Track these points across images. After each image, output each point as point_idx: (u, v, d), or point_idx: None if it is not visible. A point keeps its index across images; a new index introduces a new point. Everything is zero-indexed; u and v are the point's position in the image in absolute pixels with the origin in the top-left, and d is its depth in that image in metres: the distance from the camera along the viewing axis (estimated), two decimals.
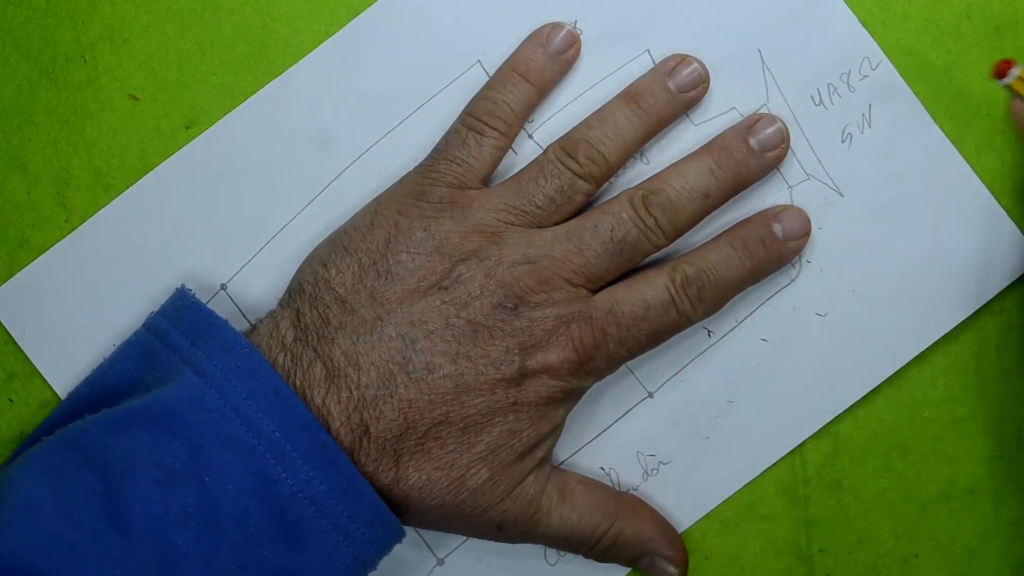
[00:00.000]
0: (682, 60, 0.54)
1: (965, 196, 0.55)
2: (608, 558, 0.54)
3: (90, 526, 0.46)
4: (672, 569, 0.54)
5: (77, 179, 0.56)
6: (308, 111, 0.56)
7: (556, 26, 0.55)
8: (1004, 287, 0.55)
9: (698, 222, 0.53)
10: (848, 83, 0.55)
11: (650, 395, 0.56)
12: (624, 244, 0.51)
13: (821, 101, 0.55)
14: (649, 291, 0.52)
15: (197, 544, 0.46)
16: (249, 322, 0.53)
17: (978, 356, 0.56)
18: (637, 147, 0.53)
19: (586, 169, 0.52)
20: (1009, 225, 0.55)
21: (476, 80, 0.55)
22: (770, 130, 0.54)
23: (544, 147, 0.55)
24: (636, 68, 0.55)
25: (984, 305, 0.55)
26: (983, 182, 0.55)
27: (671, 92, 0.53)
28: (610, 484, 0.56)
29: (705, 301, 0.52)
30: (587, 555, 0.54)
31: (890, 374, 0.55)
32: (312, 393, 0.49)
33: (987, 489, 0.56)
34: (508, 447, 0.50)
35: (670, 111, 0.54)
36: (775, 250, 0.54)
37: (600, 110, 0.54)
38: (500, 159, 0.53)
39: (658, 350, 0.55)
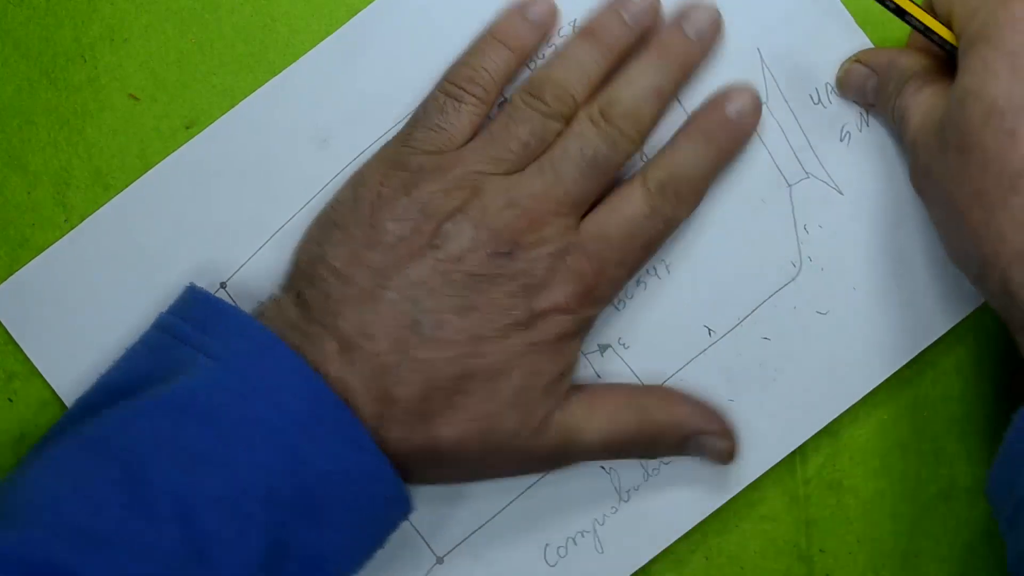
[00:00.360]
0: None
1: None
2: (660, 452, 0.54)
3: (115, 515, 0.45)
4: (721, 443, 0.54)
5: (77, 179, 0.56)
6: (307, 110, 0.55)
7: None
8: None
9: (659, 119, 0.54)
10: None
11: None
12: (596, 161, 0.51)
13: (820, 100, 0.55)
14: (629, 208, 0.52)
15: (226, 527, 0.45)
16: None
17: (978, 356, 0.56)
18: (600, 80, 0.53)
19: (554, 108, 0.52)
20: None
21: None
22: (703, 16, 0.54)
23: None
24: None
25: (985, 304, 0.55)
26: None
27: (626, 24, 0.53)
28: (611, 486, 0.56)
29: (683, 199, 0.53)
30: (640, 456, 0.55)
31: (893, 372, 0.55)
32: (328, 369, 0.49)
33: None
34: (531, 387, 0.50)
35: (627, 42, 0.54)
36: (733, 130, 0.54)
37: (559, 50, 0.54)
38: (478, 125, 0.53)
39: (659, 349, 0.55)
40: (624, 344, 0.55)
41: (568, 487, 0.56)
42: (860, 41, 0.55)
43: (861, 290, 0.55)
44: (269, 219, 0.55)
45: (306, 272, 0.51)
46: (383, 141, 0.55)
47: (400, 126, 0.55)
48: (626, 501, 0.55)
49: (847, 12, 0.55)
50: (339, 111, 0.55)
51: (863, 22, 0.55)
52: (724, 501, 0.55)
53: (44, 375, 0.55)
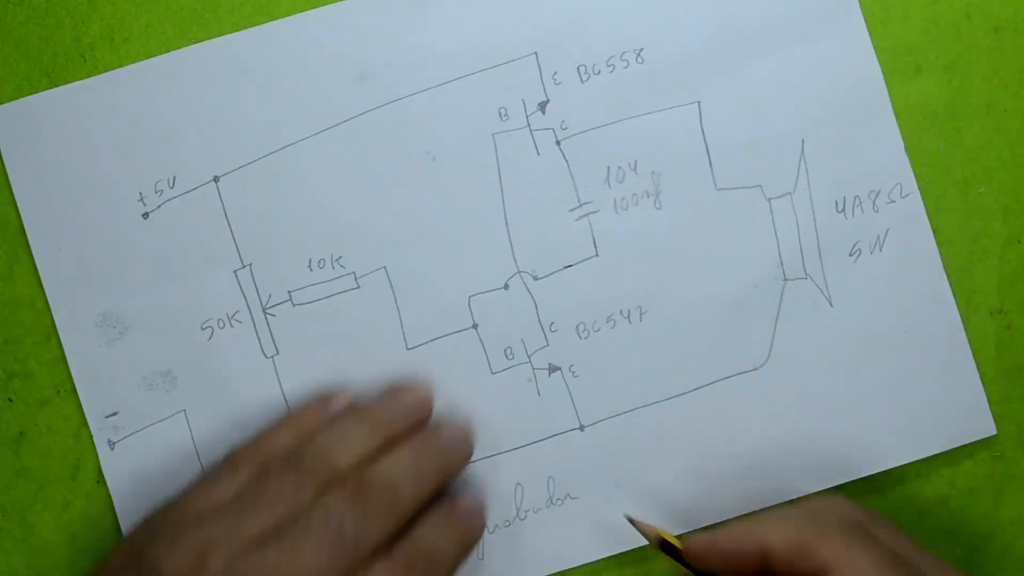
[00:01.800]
0: (405, 388, 0.55)
1: (950, 351, 0.55)
2: None
3: None
4: None
5: None
6: (358, 42, 0.55)
7: (339, 391, 0.55)
8: (948, 449, 0.55)
9: (418, 504, 0.51)
10: (875, 202, 0.55)
11: (581, 428, 0.55)
12: (342, 533, 0.49)
13: (843, 209, 0.55)
14: None
15: None
16: (227, 220, 0.55)
17: (978, 356, 0.55)
18: (365, 458, 0.51)
19: (310, 476, 0.50)
20: (978, 391, 0.55)
21: (527, 68, 0.55)
22: (458, 430, 0.55)
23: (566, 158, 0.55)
24: (681, 115, 0.55)
25: (983, 305, 0.56)
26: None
27: (397, 410, 0.54)
28: (512, 501, 0.56)
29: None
30: None
31: (813, 491, 0.55)
32: None
33: (987, 489, 0.56)
34: None
35: (398, 427, 0.53)
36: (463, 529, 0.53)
37: (329, 425, 0.53)
38: None
39: (604, 388, 0.55)
40: (574, 372, 0.55)
41: (474, 489, 0.56)
42: (901, 168, 0.55)
43: (818, 401, 0.55)
44: (283, 132, 0.56)
45: None
46: (418, 98, 0.55)
47: (439, 88, 0.55)
48: (521, 519, 0.55)
49: (899, 136, 0.55)
50: (389, 55, 0.55)
51: (866, 22, 0.56)
52: (612, 553, 0.55)
53: (18, 202, 0.56)
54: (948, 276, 0.55)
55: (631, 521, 0.53)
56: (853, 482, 0.55)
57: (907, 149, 0.55)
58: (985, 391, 0.55)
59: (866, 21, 0.55)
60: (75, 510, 0.56)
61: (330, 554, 0.48)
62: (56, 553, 0.56)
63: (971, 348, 0.55)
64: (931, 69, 0.56)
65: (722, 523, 0.55)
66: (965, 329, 0.55)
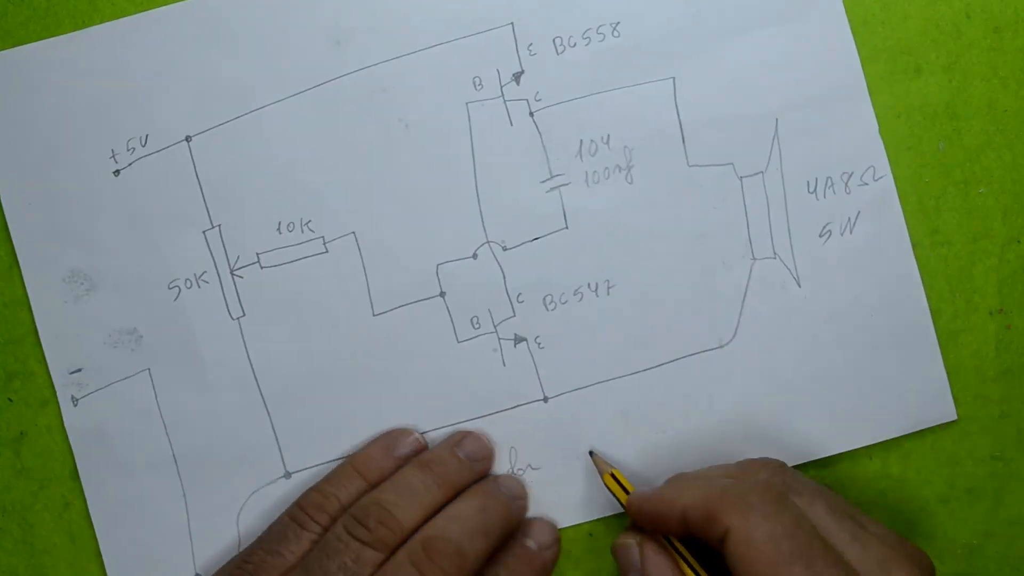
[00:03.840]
0: (468, 435, 0.55)
1: (916, 335, 0.55)
2: None
3: None
4: None
5: None
6: (333, 7, 0.55)
7: (404, 433, 0.55)
8: (907, 432, 0.55)
9: (484, 561, 0.52)
10: (847, 184, 0.55)
11: (545, 399, 0.56)
12: None
13: (815, 191, 0.55)
14: None
15: None
16: (198, 180, 0.55)
17: (978, 356, 0.56)
18: (432, 510, 0.52)
19: (376, 535, 0.50)
20: (940, 375, 0.55)
21: (503, 38, 0.55)
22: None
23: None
24: (655, 90, 0.55)
25: (983, 305, 0.55)
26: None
27: (460, 459, 0.54)
28: None
29: None
30: None
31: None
32: None
33: (987, 489, 0.56)
34: None
35: (463, 478, 0.54)
36: (538, 564, 0.54)
37: (393, 477, 0.53)
38: None
39: (570, 361, 0.55)
40: (540, 344, 0.55)
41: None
42: (875, 151, 0.55)
43: (780, 383, 0.55)
44: (257, 95, 0.55)
45: None
46: (394, 63, 0.55)
47: (416, 55, 0.55)
48: None
49: (874, 118, 0.55)
50: (365, 21, 0.55)
51: (866, 22, 0.56)
52: (572, 523, 0.56)
53: None
54: (948, 276, 0.55)
55: (592, 455, 0.53)
56: (853, 483, 0.56)
57: (907, 149, 0.55)
58: (985, 391, 0.55)
59: (867, 22, 0.55)
60: (75, 510, 0.56)
61: None
62: (56, 553, 0.56)
63: (971, 348, 0.55)
64: (931, 69, 0.56)
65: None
66: (965, 329, 0.55)
